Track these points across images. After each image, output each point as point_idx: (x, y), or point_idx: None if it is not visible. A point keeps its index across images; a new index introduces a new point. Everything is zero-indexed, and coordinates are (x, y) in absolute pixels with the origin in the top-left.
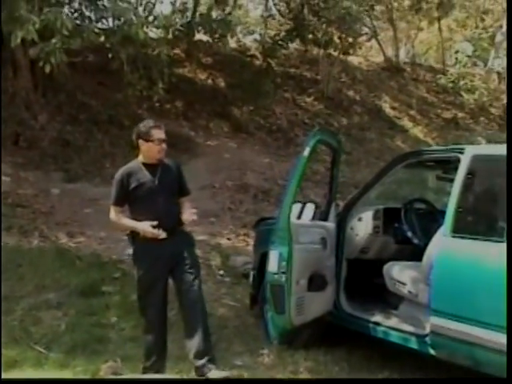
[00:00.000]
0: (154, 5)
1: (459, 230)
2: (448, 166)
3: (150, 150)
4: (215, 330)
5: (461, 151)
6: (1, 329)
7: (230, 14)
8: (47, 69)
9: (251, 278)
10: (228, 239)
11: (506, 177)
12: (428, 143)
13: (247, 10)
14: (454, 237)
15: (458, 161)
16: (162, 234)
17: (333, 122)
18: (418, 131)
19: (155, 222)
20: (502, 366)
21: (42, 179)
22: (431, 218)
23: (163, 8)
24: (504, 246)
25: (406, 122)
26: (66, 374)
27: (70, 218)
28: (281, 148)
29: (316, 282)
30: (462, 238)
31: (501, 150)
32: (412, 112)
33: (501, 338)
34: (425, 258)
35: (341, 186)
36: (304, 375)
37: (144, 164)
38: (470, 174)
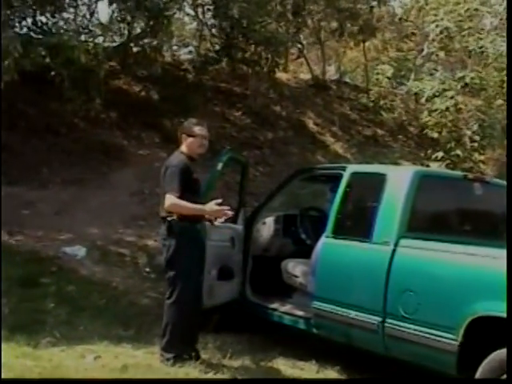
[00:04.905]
0: (90, 19)
1: (337, 231)
2: (335, 180)
3: (192, 144)
4: (138, 316)
5: (343, 169)
6: (1, 330)
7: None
8: (1, 86)
9: None
10: (155, 241)
11: (378, 190)
12: (347, 158)
13: (183, 23)
14: (333, 237)
15: (341, 176)
16: (228, 213)
17: (258, 136)
18: (338, 147)
19: (219, 200)
20: (371, 342)
21: None
22: (322, 223)
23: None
24: (370, 245)
25: (328, 138)
26: (12, 347)
27: (9, 219)
28: (208, 159)
29: (224, 273)
30: (339, 238)
31: (374, 168)
32: (334, 128)
33: (371, 319)
34: (313, 255)
35: (262, 195)
36: (211, 351)
37: (188, 157)
38: (348, 187)
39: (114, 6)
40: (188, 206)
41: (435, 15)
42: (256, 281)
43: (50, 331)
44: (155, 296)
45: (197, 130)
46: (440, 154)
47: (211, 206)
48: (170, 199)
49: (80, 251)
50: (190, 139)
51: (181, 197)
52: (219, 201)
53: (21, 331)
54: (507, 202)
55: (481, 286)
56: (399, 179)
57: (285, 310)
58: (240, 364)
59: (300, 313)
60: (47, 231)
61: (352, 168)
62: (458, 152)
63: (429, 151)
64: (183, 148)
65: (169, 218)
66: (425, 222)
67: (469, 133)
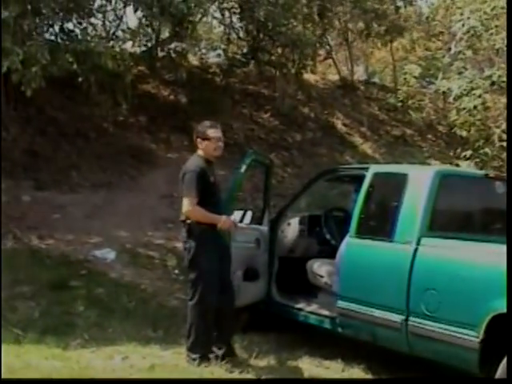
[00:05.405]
0: (118, 25)
1: (361, 231)
2: (359, 180)
3: (207, 148)
4: (167, 318)
5: (366, 169)
6: (1, 329)
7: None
8: (28, 93)
9: None
10: None
11: (399, 190)
12: (376, 159)
13: (211, 27)
14: (357, 237)
15: (364, 177)
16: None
17: (287, 138)
18: (367, 147)
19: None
20: (395, 340)
21: (14, 187)
22: (347, 223)
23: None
24: (393, 244)
25: (357, 138)
26: (42, 349)
27: (40, 223)
28: (236, 161)
29: (250, 274)
30: (363, 238)
31: (396, 168)
32: (363, 129)
33: (394, 318)
34: (337, 255)
35: (290, 196)
36: (239, 351)
37: (205, 161)
38: (371, 187)
39: (140, 12)
40: (202, 214)
41: (461, 14)
42: (282, 281)
43: (79, 333)
44: (184, 298)
45: (211, 132)
46: (469, 153)
47: (225, 220)
48: (187, 205)
49: (109, 254)
50: (206, 142)
51: (199, 201)
52: (236, 216)
53: (51, 333)
54: (507, 201)
55: (501, 284)
56: (421, 179)
57: (310, 310)
58: (266, 363)
59: (325, 312)
60: (77, 235)
61: (374, 168)
62: (487, 150)
63: (458, 150)
64: (200, 151)
65: (188, 221)
66: (446, 222)
67: (498, 131)
